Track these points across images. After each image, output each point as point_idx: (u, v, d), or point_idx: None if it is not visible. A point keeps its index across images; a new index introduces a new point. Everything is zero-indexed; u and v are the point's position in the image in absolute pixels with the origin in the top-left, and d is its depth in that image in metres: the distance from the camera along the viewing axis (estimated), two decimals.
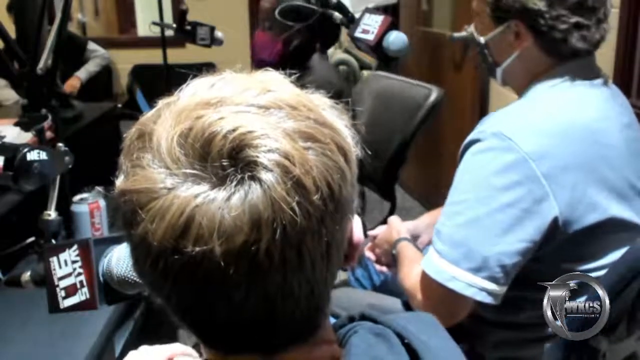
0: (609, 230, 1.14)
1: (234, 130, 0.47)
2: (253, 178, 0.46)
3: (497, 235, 1.09)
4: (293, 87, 0.53)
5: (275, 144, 0.47)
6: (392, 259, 1.43)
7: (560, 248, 1.12)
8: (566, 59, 1.18)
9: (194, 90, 0.52)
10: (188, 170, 0.47)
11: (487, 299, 1.11)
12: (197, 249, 0.46)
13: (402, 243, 1.39)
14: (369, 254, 1.54)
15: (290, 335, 0.53)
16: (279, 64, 2.42)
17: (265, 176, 0.46)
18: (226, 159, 0.46)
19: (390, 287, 1.63)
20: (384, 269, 1.53)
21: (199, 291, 0.48)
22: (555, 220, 1.09)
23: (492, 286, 1.10)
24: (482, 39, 1.25)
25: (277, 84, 0.52)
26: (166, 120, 0.50)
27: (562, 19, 1.12)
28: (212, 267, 0.46)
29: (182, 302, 0.51)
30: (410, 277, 1.25)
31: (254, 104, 0.49)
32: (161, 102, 0.53)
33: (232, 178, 0.46)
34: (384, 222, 1.56)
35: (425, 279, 1.17)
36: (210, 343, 0.54)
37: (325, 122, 0.51)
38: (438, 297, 1.15)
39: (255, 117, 0.48)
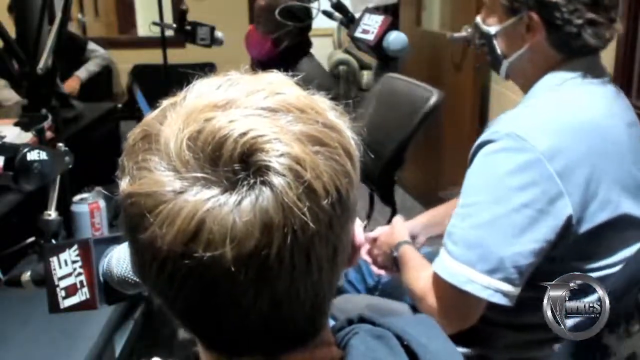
0: (619, 228, 1.14)
1: (244, 134, 0.46)
2: (264, 183, 0.46)
3: (512, 236, 1.08)
4: (299, 89, 0.53)
5: (287, 149, 0.46)
6: (391, 262, 1.42)
7: (571, 247, 1.12)
8: (574, 55, 1.18)
9: (200, 92, 0.51)
10: (198, 174, 0.46)
11: (502, 301, 1.10)
12: (208, 254, 0.45)
13: (404, 246, 1.38)
14: (365, 256, 1.53)
15: (294, 337, 0.53)
16: (268, 63, 2.43)
17: (277, 181, 0.46)
18: (237, 163, 0.46)
19: (386, 289, 1.62)
20: (382, 271, 1.51)
21: (206, 295, 0.48)
22: (569, 219, 1.08)
23: (507, 287, 1.09)
24: (492, 30, 1.24)
25: (283, 86, 0.52)
26: (174, 121, 0.49)
27: (577, 13, 1.13)
28: (221, 271, 0.46)
29: (187, 306, 0.50)
30: (418, 280, 1.23)
31: (263, 106, 0.49)
32: (165, 102, 0.53)
33: (243, 182, 0.46)
34: (388, 223, 1.55)
35: (438, 281, 1.15)
36: (213, 346, 0.54)
37: (332, 125, 0.51)
38: (452, 300, 1.13)
39: (265, 121, 0.48)
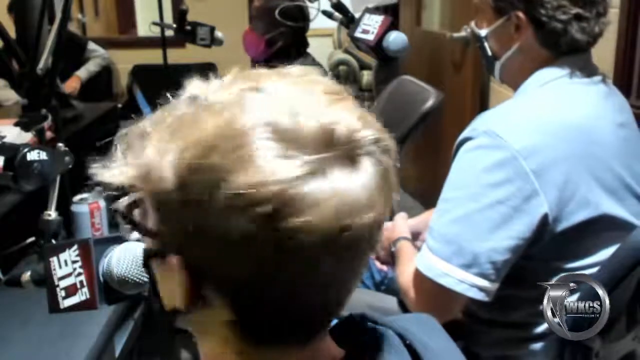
0: (600, 228, 1.15)
1: (342, 116, 0.51)
2: (371, 155, 0.51)
3: (487, 231, 1.10)
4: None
5: (373, 125, 0.53)
6: (391, 257, 1.44)
7: (550, 245, 1.13)
8: (564, 53, 1.19)
9: (273, 81, 0.53)
10: (320, 156, 0.49)
11: (478, 295, 1.12)
12: (355, 224, 0.49)
13: (402, 242, 1.40)
14: None
15: (324, 321, 0.56)
16: (265, 63, 2.42)
17: (378, 152, 0.52)
18: (347, 143, 0.50)
19: (391, 285, 1.64)
20: (384, 267, 1.55)
21: (334, 267, 0.51)
22: (544, 217, 1.10)
23: (483, 282, 1.11)
24: (482, 32, 1.26)
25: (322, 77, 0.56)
26: (269, 110, 0.50)
27: (562, 9, 1.14)
28: (360, 240, 0.51)
29: (305, 287, 0.51)
30: (404, 274, 1.26)
31: (330, 92, 0.53)
32: (241, 99, 0.52)
33: (356, 158, 0.50)
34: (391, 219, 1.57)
35: (418, 275, 1.18)
36: (259, 339, 0.54)
37: None
38: (430, 293, 1.16)
39: (346, 104, 0.53)
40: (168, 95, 0.57)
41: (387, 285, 1.66)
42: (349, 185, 0.49)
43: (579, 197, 1.11)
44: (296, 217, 0.47)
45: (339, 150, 0.49)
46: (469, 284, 1.11)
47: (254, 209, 0.47)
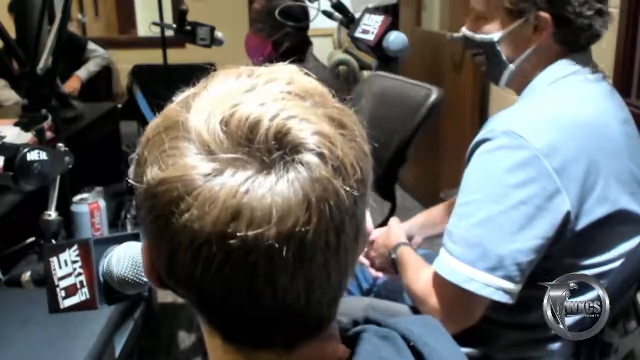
0: (616, 223, 1.14)
1: (276, 115, 0.48)
2: (300, 160, 0.47)
3: (512, 233, 1.08)
4: (311, 79, 0.54)
5: (317, 127, 0.48)
6: (390, 264, 1.42)
7: (569, 243, 1.12)
8: (575, 50, 1.19)
9: (222, 81, 0.53)
10: (233, 155, 0.47)
11: (503, 299, 1.10)
12: (250, 232, 0.46)
13: (402, 248, 1.38)
14: (361, 258, 1.52)
15: (314, 324, 0.53)
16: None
17: (312, 158, 0.47)
18: (272, 143, 0.47)
19: (380, 291, 1.61)
20: (379, 274, 1.51)
21: (244, 279, 0.48)
22: (567, 215, 1.09)
23: (508, 285, 1.09)
24: (495, 37, 1.23)
25: (296, 74, 0.54)
26: (202, 108, 0.50)
27: (587, 5, 1.14)
28: (262, 251, 0.46)
29: (219, 294, 0.49)
30: (418, 281, 1.23)
31: (286, 91, 0.50)
32: (186, 93, 0.53)
33: (279, 161, 0.47)
34: (383, 224, 1.55)
35: (439, 281, 1.15)
36: (235, 338, 0.54)
37: (346, 110, 0.53)
38: (453, 299, 1.14)
39: (292, 103, 0.49)
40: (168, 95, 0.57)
41: (376, 293, 1.63)
42: (255, 189, 0.46)
43: (597, 192, 1.11)
44: (188, 214, 0.46)
45: (258, 150, 0.47)
46: (495, 287, 1.09)
47: (157, 202, 0.49)
